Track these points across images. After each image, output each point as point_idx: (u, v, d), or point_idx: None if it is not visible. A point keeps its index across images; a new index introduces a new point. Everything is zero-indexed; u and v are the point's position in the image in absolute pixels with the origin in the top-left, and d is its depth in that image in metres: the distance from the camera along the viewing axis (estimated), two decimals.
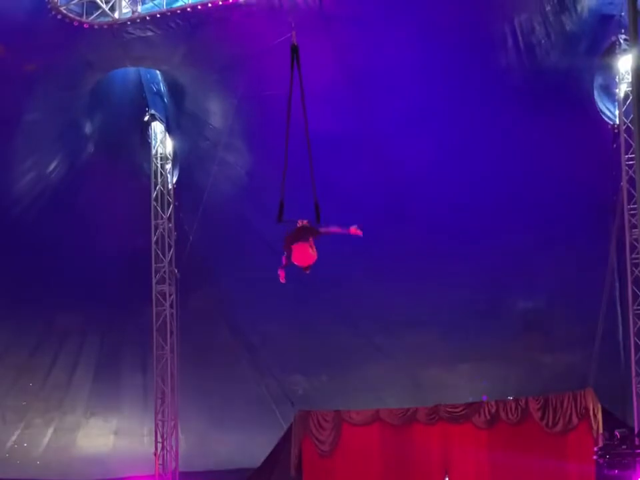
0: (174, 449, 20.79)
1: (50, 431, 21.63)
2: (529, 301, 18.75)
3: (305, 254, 11.10)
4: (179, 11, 16.79)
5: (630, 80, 15.09)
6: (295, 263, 11.16)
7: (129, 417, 21.75)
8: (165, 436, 20.68)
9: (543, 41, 16.59)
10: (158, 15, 16.94)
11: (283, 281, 11.33)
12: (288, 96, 11.98)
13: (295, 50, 11.91)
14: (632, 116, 14.83)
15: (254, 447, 21.67)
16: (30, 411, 21.27)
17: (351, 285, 19.43)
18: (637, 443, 16.27)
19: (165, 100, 19.90)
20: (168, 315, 20.75)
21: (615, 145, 17.78)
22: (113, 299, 20.46)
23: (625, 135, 17.42)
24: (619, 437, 16.65)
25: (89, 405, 21.45)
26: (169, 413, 20.74)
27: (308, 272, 11.23)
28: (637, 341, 17.18)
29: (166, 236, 20.86)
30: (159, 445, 20.59)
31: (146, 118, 20.14)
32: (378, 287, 19.25)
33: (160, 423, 20.71)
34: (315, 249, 11.16)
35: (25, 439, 21.54)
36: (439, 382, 20.05)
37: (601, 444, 17.38)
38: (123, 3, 17.26)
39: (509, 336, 18.98)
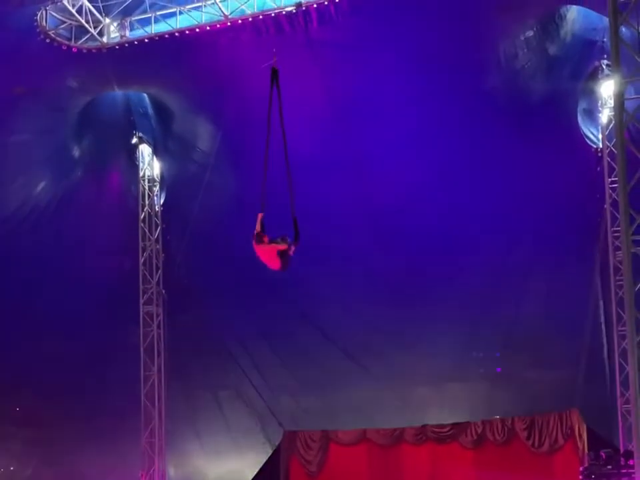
0: (161, 470, 20.76)
1: (37, 455, 21.49)
2: (514, 322, 18.83)
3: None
4: (166, 36, 17.02)
5: (612, 104, 15.29)
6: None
7: (117, 439, 21.66)
8: (152, 456, 20.65)
9: (526, 66, 16.82)
10: (146, 40, 17.14)
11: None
12: (276, 118, 12.40)
13: (275, 73, 12.36)
14: (615, 140, 15.02)
15: (242, 468, 21.64)
16: (16, 436, 21.17)
17: (339, 306, 19.52)
18: (622, 463, 16.35)
19: (153, 123, 20.03)
20: (155, 335, 20.81)
21: (598, 168, 18.02)
22: (100, 319, 20.44)
23: (608, 159, 17.68)
24: (604, 457, 16.74)
25: (75, 428, 21.34)
26: (157, 434, 20.72)
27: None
28: (622, 361, 17.26)
29: (153, 257, 20.94)
30: (147, 466, 20.56)
31: (134, 140, 20.31)
32: (365, 308, 19.35)
33: (147, 444, 20.69)
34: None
35: (12, 463, 21.45)
36: (427, 403, 20.09)
37: (586, 464, 17.44)
38: (112, 28, 17.42)
39: (495, 357, 19.07)
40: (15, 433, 21.18)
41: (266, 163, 11.92)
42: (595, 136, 18.19)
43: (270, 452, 21.31)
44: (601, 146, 18.01)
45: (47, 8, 16.61)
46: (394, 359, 19.58)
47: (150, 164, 20.85)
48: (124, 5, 17.11)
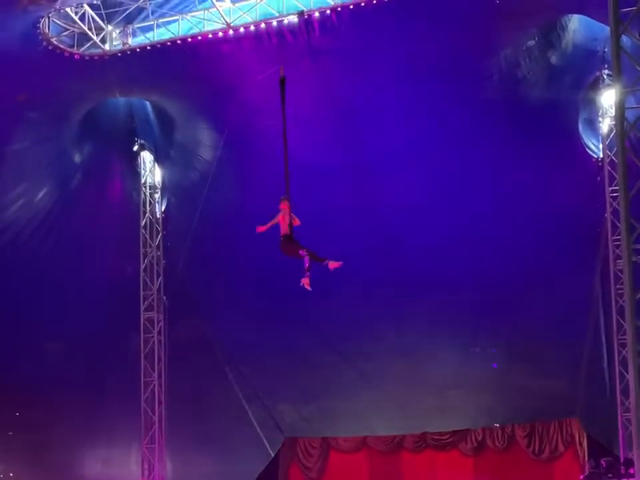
0: (161, 475, 20.76)
1: (37, 461, 21.47)
2: (515, 330, 18.86)
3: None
4: (169, 44, 17.05)
5: (613, 114, 15.33)
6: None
7: (117, 446, 21.66)
8: (152, 462, 20.67)
9: (528, 75, 16.86)
10: (148, 47, 17.20)
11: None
12: (277, 127, 12.70)
13: (282, 83, 12.63)
14: (616, 149, 15.05)
15: (242, 474, 21.65)
16: (16, 441, 21.17)
17: (340, 314, 19.53)
18: (622, 471, 16.39)
19: (155, 130, 20.06)
20: (156, 342, 20.82)
21: (599, 178, 18.06)
22: (100, 325, 20.46)
23: (609, 168, 17.75)
24: (604, 465, 16.81)
25: (75, 434, 21.35)
26: (157, 440, 20.73)
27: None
28: (622, 369, 17.30)
29: (154, 264, 20.98)
30: (147, 472, 20.58)
31: (135, 147, 20.34)
32: (366, 316, 19.38)
33: (147, 450, 20.71)
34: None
35: (11, 469, 21.44)
36: (427, 411, 20.10)
37: (587, 472, 17.49)
38: (114, 35, 17.47)
39: (496, 365, 19.11)
40: (15, 438, 21.17)
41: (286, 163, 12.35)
42: (596, 146, 18.24)
43: (270, 458, 21.35)
44: (601, 156, 18.07)
45: (50, 15, 16.59)
46: (394, 368, 19.61)
47: (151, 171, 20.88)
48: (126, 12, 17.16)
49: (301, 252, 12.31)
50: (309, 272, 12.31)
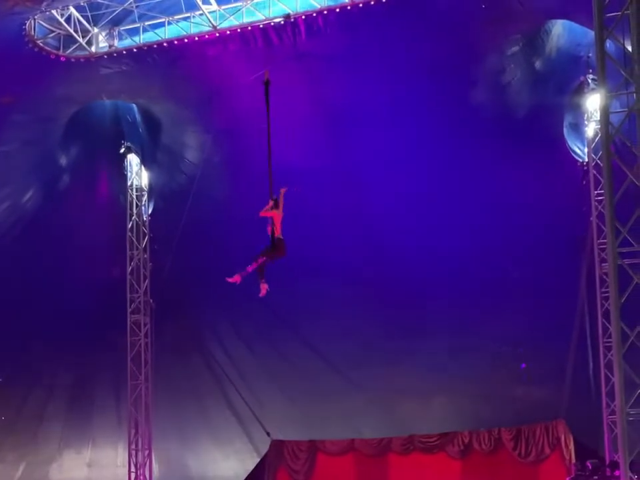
0: (148, 478, 20.73)
1: (22, 464, 21.42)
2: (501, 334, 18.89)
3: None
4: (155, 46, 17.04)
5: (598, 118, 15.37)
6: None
7: (103, 449, 21.63)
8: (138, 465, 20.63)
9: (513, 81, 16.93)
10: (134, 50, 17.17)
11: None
12: (264, 129, 12.80)
13: (267, 87, 12.76)
14: (601, 153, 15.09)
15: (229, 477, 21.64)
16: (2, 444, 21.11)
17: (327, 318, 19.56)
18: (608, 473, 16.44)
19: (141, 132, 20.04)
20: (143, 344, 20.77)
21: (584, 182, 18.12)
22: (87, 328, 20.44)
23: (594, 172, 17.81)
24: (590, 467, 16.87)
25: (62, 437, 21.32)
26: (143, 443, 20.69)
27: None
28: (607, 372, 17.34)
29: (141, 266, 20.95)
30: (133, 475, 20.54)
31: (122, 150, 20.27)
32: (354, 321, 19.40)
33: (133, 453, 20.65)
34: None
35: None
36: (413, 416, 20.12)
37: (573, 474, 17.54)
38: (100, 37, 17.44)
39: (482, 368, 19.13)
40: (1, 440, 21.11)
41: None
42: (581, 150, 18.31)
43: (257, 461, 21.34)
44: (587, 160, 18.14)
45: (36, 17, 16.54)
46: (381, 373, 19.62)
47: (138, 173, 20.85)
48: (112, 15, 17.11)
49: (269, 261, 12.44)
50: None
